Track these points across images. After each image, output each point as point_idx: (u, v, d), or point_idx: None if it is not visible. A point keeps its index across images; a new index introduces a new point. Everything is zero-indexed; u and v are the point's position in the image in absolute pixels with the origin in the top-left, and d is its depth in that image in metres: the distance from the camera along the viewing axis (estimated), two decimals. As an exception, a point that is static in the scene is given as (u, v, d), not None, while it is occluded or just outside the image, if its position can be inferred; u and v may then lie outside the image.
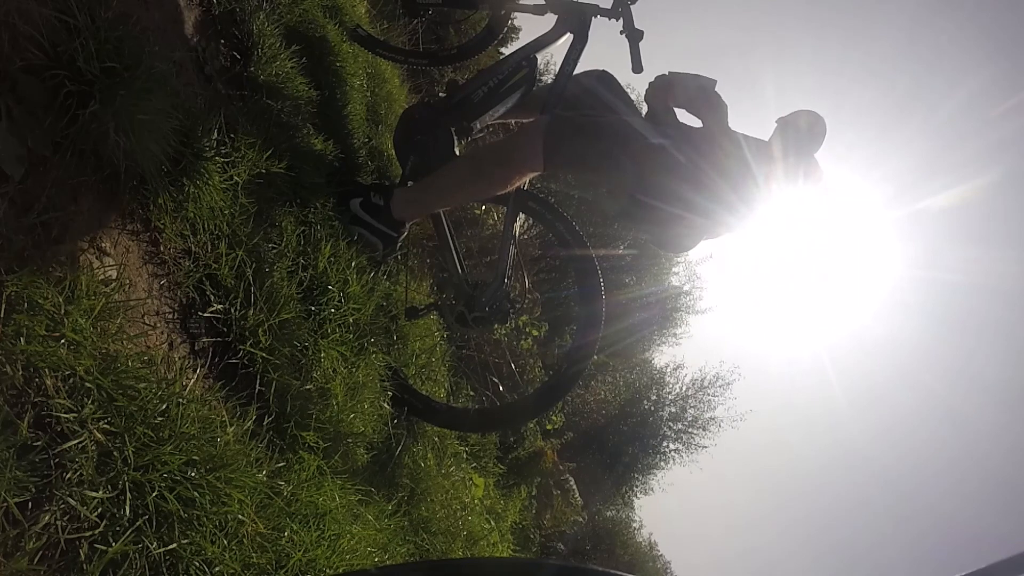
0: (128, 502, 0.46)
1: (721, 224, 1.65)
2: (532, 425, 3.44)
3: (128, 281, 0.60)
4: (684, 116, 1.78)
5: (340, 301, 1.19)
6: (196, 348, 0.71)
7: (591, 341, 1.77)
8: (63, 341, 0.45)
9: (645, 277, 7.88)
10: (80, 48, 0.53)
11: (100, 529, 0.43)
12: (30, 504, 0.39)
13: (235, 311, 0.77)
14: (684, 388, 9.37)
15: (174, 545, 0.48)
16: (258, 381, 0.80)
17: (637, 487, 9.31)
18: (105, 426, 0.47)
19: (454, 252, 1.83)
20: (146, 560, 0.45)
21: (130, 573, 0.44)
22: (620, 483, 8.68)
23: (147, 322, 0.62)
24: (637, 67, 1.77)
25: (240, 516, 0.57)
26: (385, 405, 1.49)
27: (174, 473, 0.52)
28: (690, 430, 9.18)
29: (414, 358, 1.99)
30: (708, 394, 9.31)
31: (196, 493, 0.53)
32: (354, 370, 1.23)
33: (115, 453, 0.47)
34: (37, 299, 0.42)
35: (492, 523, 2.61)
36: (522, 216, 2.00)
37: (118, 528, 0.44)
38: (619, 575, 0.37)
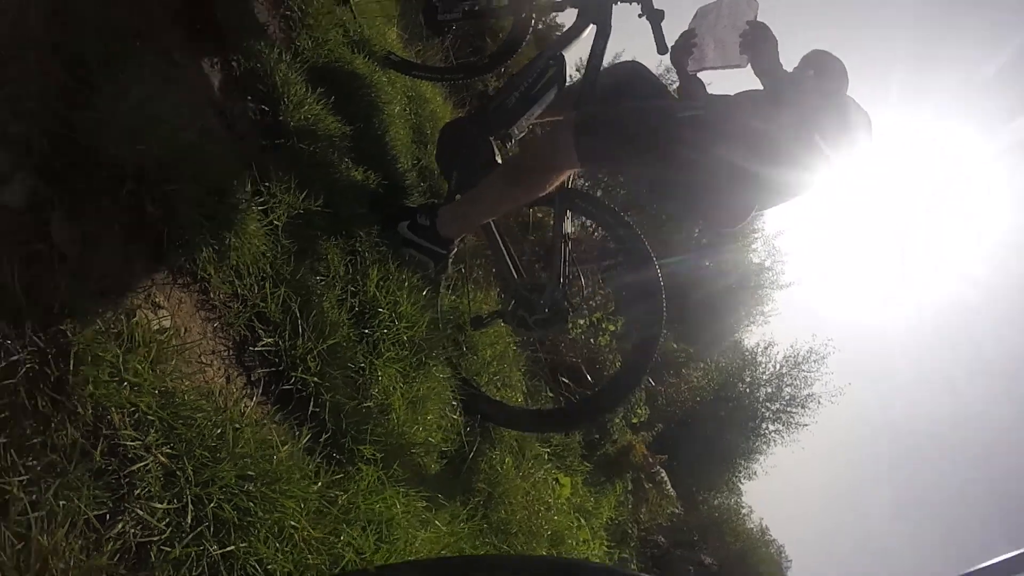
0: (190, 512, 0.56)
1: (773, 191, 1.61)
2: (618, 420, 3.43)
3: (183, 327, 0.73)
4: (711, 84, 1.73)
5: (392, 322, 1.29)
6: (252, 379, 0.84)
7: (655, 332, 1.76)
8: (125, 384, 0.57)
9: (723, 258, 7.78)
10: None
11: (167, 535, 0.54)
12: (107, 516, 0.50)
13: (284, 343, 0.89)
14: (778, 367, 9.46)
15: (231, 547, 0.58)
16: (312, 403, 0.91)
17: (740, 472, 9.35)
18: (167, 451, 0.58)
19: (508, 259, 1.89)
20: (206, 560, 0.55)
21: (193, 570, 0.54)
22: (722, 470, 8.65)
23: (204, 360, 0.75)
24: (662, 48, 1.76)
25: (292, 522, 0.66)
26: (452, 415, 1.58)
27: (231, 487, 0.63)
28: (788, 409, 9.22)
29: (486, 367, 2.07)
30: (803, 370, 9.35)
31: (251, 503, 0.63)
32: (414, 385, 1.32)
33: (178, 472, 0.58)
34: (99, 352, 0.54)
35: (582, 521, 2.62)
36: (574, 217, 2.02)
37: (182, 534, 0.55)
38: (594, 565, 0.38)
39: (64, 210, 0.57)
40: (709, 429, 8.37)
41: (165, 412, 0.60)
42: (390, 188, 1.71)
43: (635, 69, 1.89)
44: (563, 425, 1.96)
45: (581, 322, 3.63)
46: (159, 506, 0.54)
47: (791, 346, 9.82)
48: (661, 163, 1.90)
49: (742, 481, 9.49)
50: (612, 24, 1.89)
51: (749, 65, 1.50)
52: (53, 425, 0.48)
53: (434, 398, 1.42)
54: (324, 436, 0.90)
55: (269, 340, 0.87)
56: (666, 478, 3.63)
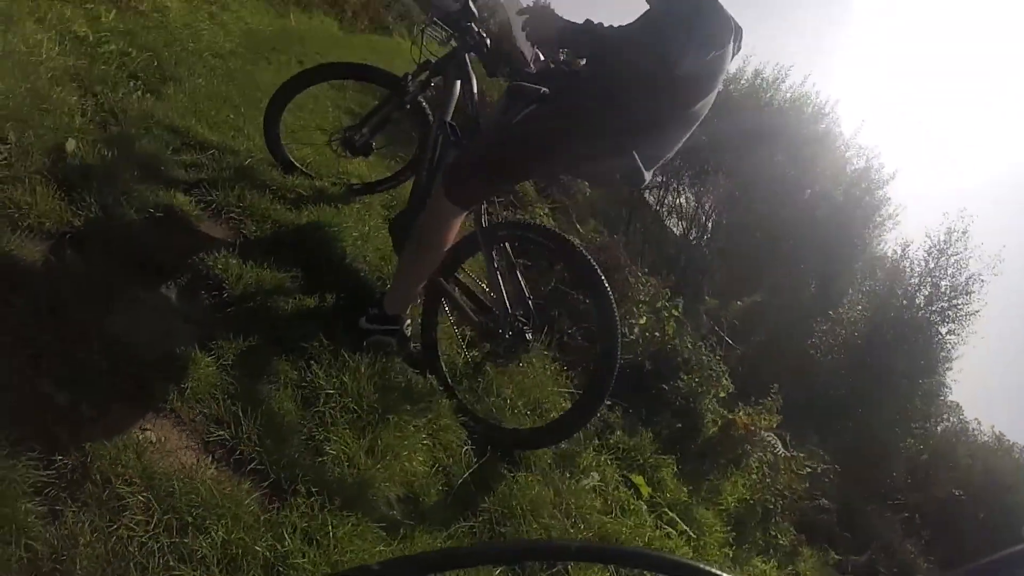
0: (154, 521, 1.36)
1: (641, 134, 2.02)
2: (707, 402, 3.63)
3: (163, 438, 1.59)
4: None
5: (338, 397, 2.05)
6: (215, 457, 1.65)
7: (607, 312, 2.27)
8: (119, 466, 1.41)
9: (818, 179, 7.71)
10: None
11: (141, 532, 1.33)
12: (111, 524, 1.32)
13: (229, 431, 1.70)
14: (924, 264, 9.44)
15: (175, 539, 1.36)
16: (256, 463, 1.68)
17: (937, 392, 9.27)
18: (145, 494, 1.40)
19: (466, 307, 2.59)
20: (157, 546, 1.33)
21: (154, 547, 1.32)
22: (909, 398, 8.40)
23: (178, 452, 1.59)
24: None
25: (214, 527, 1.42)
26: (445, 453, 2.24)
27: (181, 508, 1.41)
28: (953, 303, 9.15)
29: (509, 402, 2.72)
30: (951, 255, 9.26)
31: (188, 518, 1.40)
32: (371, 439, 2.03)
33: (151, 504, 1.39)
34: (101, 451, 1.39)
35: (672, 514, 2.92)
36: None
37: (150, 532, 1.34)
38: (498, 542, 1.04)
39: (91, 400, 1.47)
40: (880, 359, 8.40)
41: (144, 475, 1.43)
42: (355, 297, 2.54)
43: (507, 92, 2.47)
44: (560, 434, 2.44)
45: (644, 321, 3.99)
46: (139, 517, 1.35)
47: (927, 236, 9.83)
48: (530, 167, 2.49)
49: (941, 396, 9.58)
50: (471, 72, 2.59)
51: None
52: (82, 486, 1.32)
53: (405, 444, 2.11)
54: (266, 482, 1.66)
55: (220, 433, 1.69)
56: (774, 440, 3.69)
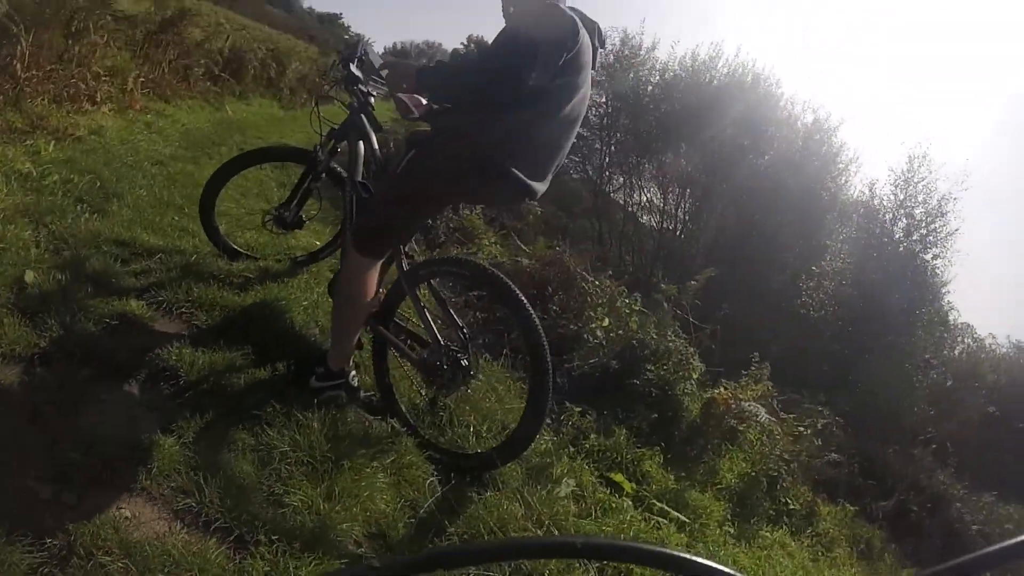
0: None
1: (518, 153, 2.23)
2: (681, 387, 3.88)
3: (137, 513, 1.90)
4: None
5: (292, 451, 2.37)
6: (184, 523, 1.96)
7: (529, 323, 2.53)
8: (100, 538, 1.72)
9: (773, 143, 8.42)
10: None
11: None
12: None
13: (194, 498, 2.01)
14: (893, 198, 9.99)
15: None
16: (221, 521, 1.99)
17: (940, 319, 9.68)
18: (123, 561, 1.71)
19: (405, 351, 2.91)
20: None
21: None
22: (911, 330, 8.91)
23: (152, 522, 1.90)
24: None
25: None
26: (410, 489, 2.54)
27: (156, 570, 1.72)
28: (931, 227, 9.58)
29: (471, 431, 2.99)
30: (917, 183, 9.77)
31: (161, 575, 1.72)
32: (327, 486, 2.34)
33: (128, 569, 1.70)
34: (82, 530, 1.71)
35: (663, 505, 3.13)
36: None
37: None
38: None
39: (71, 490, 1.80)
40: (874, 301, 8.77)
41: (122, 546, 1.74)
42: (307, 362, 2.87)
43: (406, 144, 2.74)
44: (515, 449, 2.71)
45: (606, 323, 4.29)
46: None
47: (890, 171, 10.32)
48: (418, 210, 2.74)
49: (954, 318, 10.04)
50: (370, 130, 2.95)
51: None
52: (69, 562, 1.64)
53: (363, 486, 2.42)
54: (231, 537, 1.97)
55: (187, 501, 2.01)
56: (756, 409, 3.92)
